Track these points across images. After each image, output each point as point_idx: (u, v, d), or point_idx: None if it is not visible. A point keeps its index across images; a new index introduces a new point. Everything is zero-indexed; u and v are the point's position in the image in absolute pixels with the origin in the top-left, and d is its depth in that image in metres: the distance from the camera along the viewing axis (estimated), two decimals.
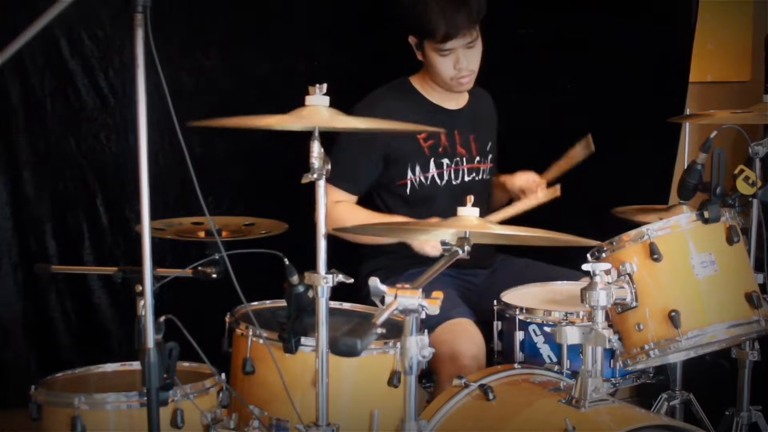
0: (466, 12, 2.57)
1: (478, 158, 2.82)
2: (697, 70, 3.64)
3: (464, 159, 2.79)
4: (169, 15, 2.89)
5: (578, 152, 2.77)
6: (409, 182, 2.72)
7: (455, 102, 2.82)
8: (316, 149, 1.81)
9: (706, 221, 2.12)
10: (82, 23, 2.88)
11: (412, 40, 2.68)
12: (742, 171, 2.29)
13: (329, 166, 1.83)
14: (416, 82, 2.79)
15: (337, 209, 2.61)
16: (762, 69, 3.80)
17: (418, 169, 2.71)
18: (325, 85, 1.84)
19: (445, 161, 2.75)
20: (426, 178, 2.73)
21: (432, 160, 2.73)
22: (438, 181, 2.75)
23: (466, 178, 2.79)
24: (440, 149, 2.75)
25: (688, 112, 3.59)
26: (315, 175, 1.81)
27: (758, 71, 3.91)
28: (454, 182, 2.76)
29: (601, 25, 3.31)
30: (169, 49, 2.94)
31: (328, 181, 2.52)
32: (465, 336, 2.48)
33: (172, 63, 2.95)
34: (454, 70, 2.65)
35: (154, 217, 1.67)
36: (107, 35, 2.92)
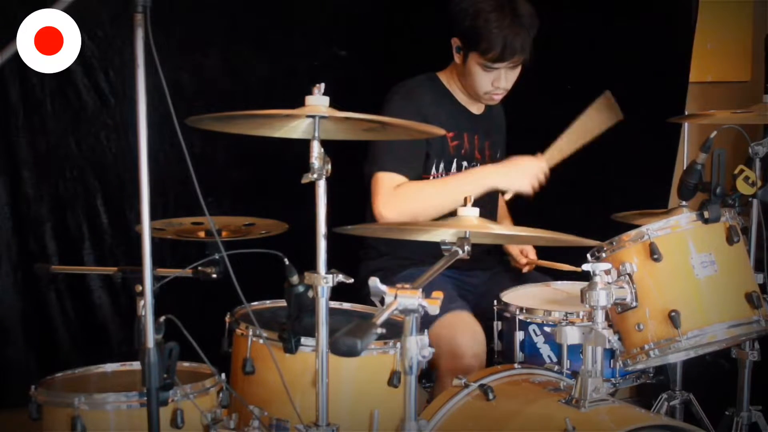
0: (524, 38, 2.56)
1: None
2: (697, 70, 3.63)
3: (478, 164, 2.80)
4: (169, 15, 2.89)
5: (602, 109, 2.68)
6: (431, 178, 2.71)
7: (477, 106, 2.82)
8: (316, 149, 1.81)
9: (706, 221, 2.12)
10: (82, 23, 2.87)
11: (455, 42, 2.67)
12: (742, 171, 2.29)
13: (329, 166, 1.83)
14: (444, 79, 2.79)
15: (403, 191, 2.56)
16: (762, 69, 3.79)
17: (442, 166, 2.71)
18: (323, 85, 1.84)
19: (464, 163, 2.76)
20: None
21: (455, 160, 2.73)
22: None
23: None
24: (463, 151, 2.75)
25: (688, 112, 3.59)
26: (315, 175, 1.81)
27: (758, 71, 3.91)
28: None
29: (600, 25, 3.31)
30: (169, 49, 2.94)
31: (382, 169, 2.55)
32: (464, 328, 2.49)
33: (172, 63, 2.94)
34: (491, 87, 2.66)
35: (154, 217, 1.67)
36: (107, 35, 2.92)
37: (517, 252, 2.88)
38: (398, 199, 2.54)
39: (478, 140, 2.79)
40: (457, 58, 2.69)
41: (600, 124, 2.67)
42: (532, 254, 2.87)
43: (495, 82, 2.65)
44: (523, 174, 2.58)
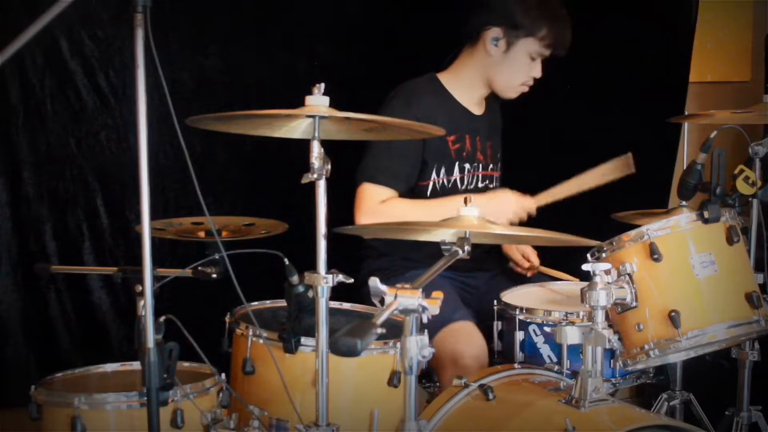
0: (570, 33, 2.67)
1: (491, 166, 2.84)
2: (697, 70, 3.63)
3: (480, 165, 2.79)
4: (169, 15, 2.89)
5: (616, 169, 2.70)
6: (431, 183, 2.70)
7: (479, 107, 2.82)
8: (316, 149, 1.81)
9: (706, 221, 2.12)
10: (82, 23, 2.88)
11: (492, 33, 2.66)
12: (742, 171, 2.29)
13: (329, 166, 1.83)
14: (445, 80, 2.78)
15: (388, 209, 2.57)
16: (762, 69, 3.80)
17: (443, 170, 2.71)
18: (323, 85, 1.84)
19: (467, 165, 2.75)
20: (448, 181, 2.72)
21: (457, 164, 2.73)
22: (459, 185, 2.74)
23: (480, 185, 2.80)
24: (464, 153, 2.75)
25: (687, 112, 3.59)
26: (315, 175, 1.81)
27: (758, 71, 3.91)
28: (470, 187, 2.76)
29: (600, 25, 3.31)
30: (169, 49, 2.94)
31: (369, 180, 2.56)
32: (468, 340, 2.48)
33: (172, 63, 2.94)
34: (527, 77, 2.70)
35: (154, 217, 1.67)
36: (107, 35, 2.91)
37: (519, 257, 2.88)
38: (380, 217, 2.53)
39: (479, 141, 2.79)
40: (493, 50, 2.67)
41: (607, 177, 2.69)
42: (534, 258, 2.87)
43: (531, 72, 2.69)
44: (504, 211, 2.58)
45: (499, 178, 2.88)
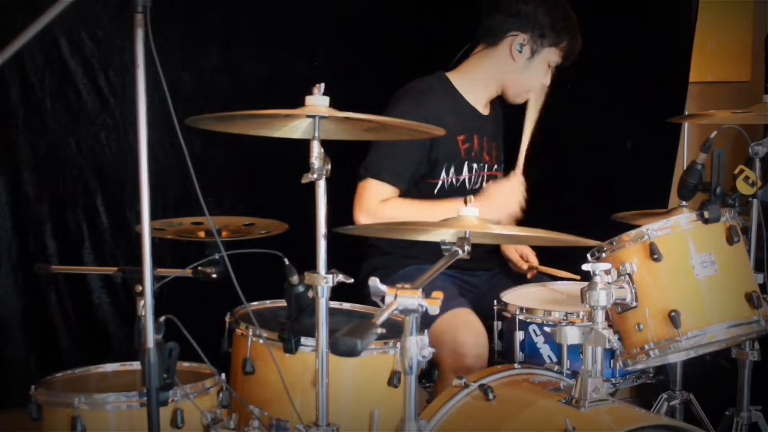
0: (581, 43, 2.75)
1: (495, 166, 2.84)
2: (697, 70, 3.63)
3: (486, 165, 2.80)
4: (169, 15, 2.88)
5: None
6: (440, 182, 2.71)
7: (486, 108, 2.82)
8: (316, 149, 1.81)
9: (706, 221, 2.12)
10: (82, 23, 2.88)
11: (517, 39, 2.69)
12: (742, 171, 2.29)
13: (329, 166, 1.82)
14: (454, 80, 2.78)
15: (387, 209, 2.57)
16: (762, 69, 3.79)
17: (452, 170, 2.71)
18: (323, 85, 1.84)
19: (475, 165, 2.76)
20: (457, 180, 2.73)
21: (466, 163, 2.73)
22: (467, 184, 2.75)
23: (485, 185, 2.79)
24: (473, 153, 2.75)
25: (688, 112, 3.59)
26: (315, 175, 1.81)
27: (758, 71, 3.91)
28: (475, 187, 2.77)
29: (600, 25, 3.31)
30: (169, 49, 2.94)
31: (372, 176, 2.56)
32: (466, 325, 2.49)
33: (172, 63, 2.94)
34: (539, 84, 2.75)
35: (154, 217, 1.67)
36: (107, 35, 2.91)
37: (517, 257, 2.87)
38: (378, 217, 2.54)
39: (486, 142, 2.79)
40: (517, 56, 2.70)
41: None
42: (533, 258, 2.86)
43: (544, 79, 2.74)
44: (499, 207, 2.60)
45: (502, 179, 2.87)
